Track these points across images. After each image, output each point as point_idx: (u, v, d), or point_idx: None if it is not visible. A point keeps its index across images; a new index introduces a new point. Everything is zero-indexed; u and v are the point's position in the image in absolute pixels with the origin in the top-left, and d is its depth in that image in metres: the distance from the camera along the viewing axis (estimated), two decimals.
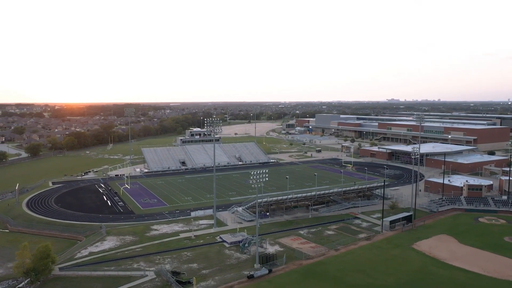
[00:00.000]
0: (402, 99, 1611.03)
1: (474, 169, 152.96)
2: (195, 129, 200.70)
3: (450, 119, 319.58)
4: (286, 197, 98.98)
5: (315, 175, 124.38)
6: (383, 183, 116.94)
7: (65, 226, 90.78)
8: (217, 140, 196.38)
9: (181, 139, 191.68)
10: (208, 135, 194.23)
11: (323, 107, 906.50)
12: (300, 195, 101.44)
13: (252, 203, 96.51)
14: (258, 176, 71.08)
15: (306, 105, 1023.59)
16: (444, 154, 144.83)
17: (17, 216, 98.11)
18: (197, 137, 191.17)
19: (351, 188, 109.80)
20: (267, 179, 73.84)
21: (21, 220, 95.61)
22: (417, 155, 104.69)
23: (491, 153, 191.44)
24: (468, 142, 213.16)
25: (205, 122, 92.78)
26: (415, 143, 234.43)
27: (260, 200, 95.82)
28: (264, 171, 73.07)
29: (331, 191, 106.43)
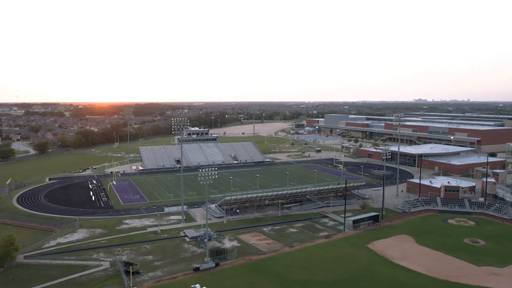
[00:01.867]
0: (429, 99, 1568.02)
1: (466, 171, 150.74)
2: (192, 129, 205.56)
3: (461, 119, 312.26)
4: (256, 195, 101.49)
5: (286, 174, 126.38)
6: (361, 183, 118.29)
7: (45, 219, 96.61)
8: (214, 139, 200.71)
9: (178, 138, 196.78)
10: (206, 134, 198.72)
11: (345, 107, 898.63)
12: (270, 193, 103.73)
13: (222, 200, 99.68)
14: (206, 174, 74.07)
15: (329, 105, 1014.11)
16: (422, 155, 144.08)
17: (4, 209, 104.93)
18: (194, 136, 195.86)
19: (325, 187, 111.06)
20: (216, 176, 76.72)
21: (7, 212, 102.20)
22: (389, 155, 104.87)
23: (493, 154, 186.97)
24: (471, 143, 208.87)
25: (172, 122, 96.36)
26: (419, 144, 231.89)
27: (229, 197, 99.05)
28: (213, 169, 75.98)
29: (303, 190, 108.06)
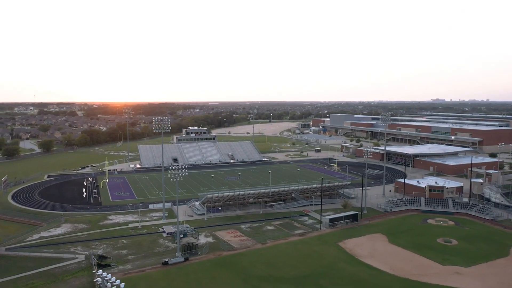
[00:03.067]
0: (447, 99, 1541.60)
1: (460, 171, 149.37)
2: (191, 128, 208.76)
3: (467, 119, 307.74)
4: (238, 193, 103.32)
5: (269, 172, 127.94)
6: (346, 182, 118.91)
7: (34, 214, 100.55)
8: (213, 138, 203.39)
9: (176, 137, 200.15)
10: (204, 133, 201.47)
11: (359, 107, 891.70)
12: (253, 191, 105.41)
13: (204, 198, 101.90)
14: (176, 172, 76.28)
15: (343, 105, 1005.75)
16: (405, 155, 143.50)
17: None
18: (193, 135, 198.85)
19: (309, 186, 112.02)
20: (187, 174, 78.95)
21: (0, 208, 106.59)
22: (370, 155, 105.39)
23: (493, 155, 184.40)
24: (473, 144, 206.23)
25: (153, 121, 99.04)
26: (421, 144, 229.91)
27: (211, 195, 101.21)
28: (183, 168, 78.20)
29: (287, 188, 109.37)
